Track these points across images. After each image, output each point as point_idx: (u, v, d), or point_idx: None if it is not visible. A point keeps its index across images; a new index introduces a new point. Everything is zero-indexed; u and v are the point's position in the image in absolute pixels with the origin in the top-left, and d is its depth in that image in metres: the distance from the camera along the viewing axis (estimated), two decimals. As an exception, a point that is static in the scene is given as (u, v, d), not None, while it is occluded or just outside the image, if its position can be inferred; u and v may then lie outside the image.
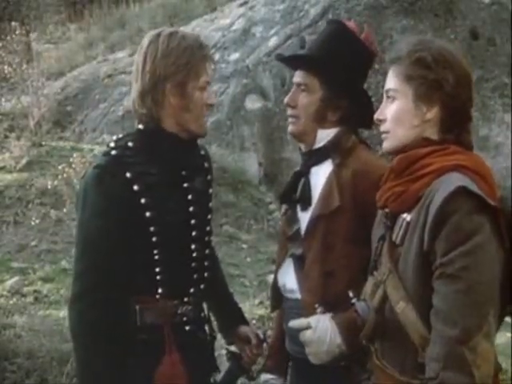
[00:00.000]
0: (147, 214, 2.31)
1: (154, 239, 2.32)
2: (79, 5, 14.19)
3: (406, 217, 2.00)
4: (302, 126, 2.52)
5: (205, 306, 2.55)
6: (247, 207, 7.89)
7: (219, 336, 2.68)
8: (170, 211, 2.35)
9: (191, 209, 2.41)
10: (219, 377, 2.59)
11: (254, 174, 8.58)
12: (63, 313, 4.89)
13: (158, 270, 2.34)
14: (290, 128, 2.57)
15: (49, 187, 7.31)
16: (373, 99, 2.57)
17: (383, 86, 2.14)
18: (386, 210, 2.08)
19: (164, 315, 2.36)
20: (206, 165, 2.53)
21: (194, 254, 2.42)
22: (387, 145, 2.11)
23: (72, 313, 2.33)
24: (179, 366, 2.35)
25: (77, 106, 9.96)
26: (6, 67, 10.11)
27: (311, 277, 2.46)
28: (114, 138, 2.41)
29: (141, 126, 2.38)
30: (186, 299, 2.40)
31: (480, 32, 9.37)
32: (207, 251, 2.48)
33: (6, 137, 8.98)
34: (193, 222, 2.41)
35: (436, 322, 1.89)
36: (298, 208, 2.55)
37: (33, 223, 6.85)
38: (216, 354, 2.59)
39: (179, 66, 2.31)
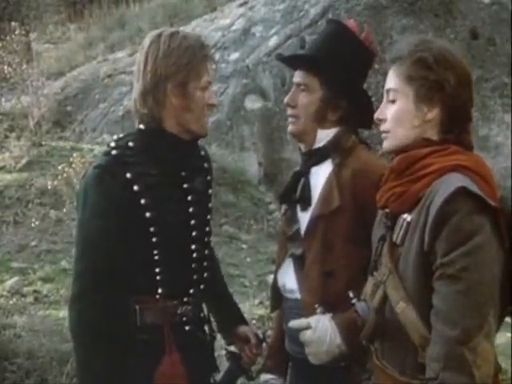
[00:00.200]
0: (147, 214, 2.31)
1: (153, 239, 2.32)
2: (79, 5, 14.19)
3: (407, 217, 2.00)
4: (302, 125, 2.52)
5: (204, 306, 2.55)
6: (247, 207, 7.89)
7: (219, 336, 2.68)
8: (170, 212, 2.35)
9: (191, 209, 2.41)
10: (219, 377, 2.59)
11: (254, 173, 8.58)
12: (63, 313, 4.89)
13: (157, 270, 2.34)
14: (290, 128, 2.57)
15: (49, 187, 7.31)
16: (373, 99, 2.57)
17: (383, 86, 2.13)
18: (387, 210, 2.08)
19: (164, 315, 2.36)
20: (205, 165, 2.53)
21: (194, 255, 2.42)
22: (387, 145, 2.10)
23: (72, 313, 2.32)
24: (179, 366, 2.35)
25: (77, 106, 9.96)
26: (5, 67, 10.10)
27: (311, 277, 2.46)
28: (115, 137, 2.41)
29: (141, 126, 2.38)
30: (185, 299, 2.40)
31: (480, 32, 9.37)
32: (207, 251, 2.48)
33: (6, 137, 8.98)
34: (193, 222, 2.41)
35: (436, 322, 1.89)
36: (298, 208, 2.55)
37: (33, 223, 6.85)
38: (216, 354, 2.59)
39: (180, 66, 2.31)
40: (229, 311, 2.71)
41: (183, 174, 2.41)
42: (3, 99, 10.29)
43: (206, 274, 2.47)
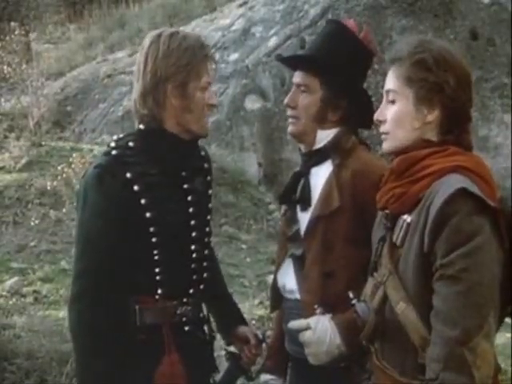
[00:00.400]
0: (147, 214, 2.31)
1: (153, 239, 2.32)
2: (79, 5, 14.20)
3: (407, 218, 2.00)
4: (303, 126, 2.52)
5: (204, 306, 2.55)
6: (247, 207, 7.89)
7: (218, 336, 2.68)
8: (170, 212, 2.35)
9: (191, 210, 2.41)
10: (218, 377, 2.59)
11: (254, 174, 8.58)
12: (63, 313, 4.89)
13: (157, 270, 2.34)
14: (290, 128, 2.57)
15: (48, 187, 7.31)
16: (372, 99, 2.57)
17: (383, 86, 2.13)
18: (387, 211, 2.08)
19: (163, 315, 2.36)
20: (205, 166, 2.53)
21: (194, 255, 2.42)
22: (387, 146, 2.10)
23: (71, 313, 2.32)
24: (178, 366, 2.35)
25: (76, 106, 9.96)
26: (5, 67, 10.11)
27: (311, 277, 2.46)
28: (115, 137, 2.41)
29: (141, 126, 2.38)
30: (185, 300, 2.40)
31: (479, 32, 9.37)
32: (207, 252, 2.48)
33: (6, 137, 8.98)
34: (192, 222, 2.41)
35: (436, 322, 1.89)
36: (298, 208, 2.55)
37: (32, 223, 6.85)
38: (215, 354, 2.59)
39: (180, 66, 2.31)
40: (228, 311, 2.71)
41: (183, 174, 2.41)
42: (3, 99, 10.30)
43: (205, 275, 2.47)
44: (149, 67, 2.31)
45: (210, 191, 2.53)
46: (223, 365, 2.66)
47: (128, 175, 2.29)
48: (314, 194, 2.51)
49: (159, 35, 2.34)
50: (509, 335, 4.97)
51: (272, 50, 9.05)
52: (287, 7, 9.61)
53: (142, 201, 2.30)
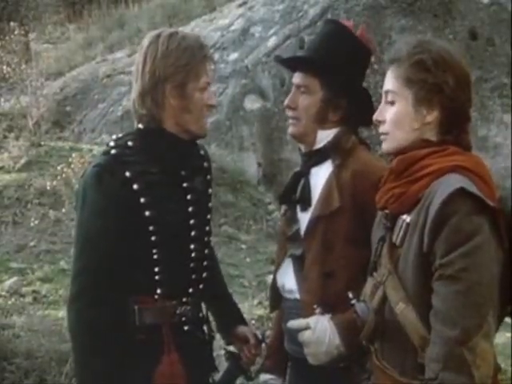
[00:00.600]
0: (147, 213, 2.31)
1: (153, 238, 2.32)
2: (78, 5, 14.20)
3: (406, 218, 2.00)
4: (303, 127, 2.52)
5: (203, 306, 2.55)
6: (246, 207, 7.89)
7: (218, 336, 2.68)
8: (170, 211, 2.35)
9: (190, 209, 2.41)
10: (218, 377, 2.59)
11: (253, 174, 8.58)
12: (62, 313, 4.89)
13: (156, 269, 2.34)
14: (291, 130, 2.57)
15: (48, 187, 7.31)
16: (372, 99, 2.57)
17: (382, 86, 2.13)
18: (386, 211, 2.08)
19: (163, 315, 2.36)
20: (205, 165, 2.53)
21: (193, 254, 2.42)
22: (386, 146, 2.10)
23: (70, 312, 2.32)
24: (178, 365, 2.35)
25: (76, 106, 9.96)
26: (4, 67, 10.11)
27: (310, 277, 2.46)
28: (114, 137, 2.41)
29: (141, 126, 2.38)
30: (184, 299, 2.40)
31: (479, 32, 9.38)
32: (206, 251, 2.48)
33: (5, 137, 8.98)
34: (192, 221, 2.41)
35: (435, 322, 1.89)
36: (298, 208, 2.55)
37: (32, 223, 6.85)
38: (215, 354, 2.59)
39: (179, 66, 2.31)
40: (228, 311, 2.71)
41: (183, 173, 2.41)
42: (2, 99, 10.30)
43: (205, 274, 2.47)
44: (147, 67, 2.31)
45: (210, 190, 2.53)
46: (223, 364, 2.66)
47: (127, 174, 2.29)
48: (314, 193, 2.51)
49: (158, 35, 2.34)
50: (508, 335, 4.97)
51: (271, 49, 9.06)
52: (286, 7, 9.61)
53: (142, 199, 2.30)
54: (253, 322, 4.89)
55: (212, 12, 10.86)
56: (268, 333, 2.79)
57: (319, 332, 2.26)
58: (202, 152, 2.53)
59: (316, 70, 2.50)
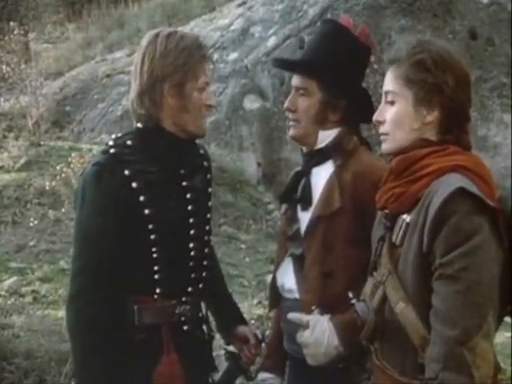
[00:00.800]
0: (146, 211, 2.30)
1: (152, 237, 2.32)
2: (78, 5, 14.20)
3: (406, 218, 2.00)
4: (304, 129, 2.52)
5: (203, 305, 2.55)
6: (246, 207, 7.89)
7: (218, 336, 2.68)
8: (169, 209, 2.35)
9: (190, 207, 2.40)
10: (217, 377, 2.59)
11: (253, 173, 8.58)
12: (61, 313, 4.89)
13: (156, 268, 2.34)
14: (291, 132, 2.56)
15: (47, 187, 7.31)
16: (372, 99, 2.57)
17: (382, 86, 2.13)
18: (386, 210, 2.08)
19: (162, 315, 2.36)
20: (205, 164, 2.53)
21: (192, 253, 2.41)
22: (386, 146, 2.10)
23: (69, 312, 2.32)
24: (177, 365, 2.35)
25: (75, 106, 9.96)
26: (4, 67, 10.11)
27: (310, 277, 2.46)
28: (113, 136, 2.41)
29: (139, 125, 2.38)
30: (184, 299, 2.40)
31: (479, 32, 9.38)
32: (206, 250, 2.48)
33: (5, 137, 8.98)
34: (191, 220, 2.41)
35: (435, 322, 1.89)
36: (298, 208, 2.55)
37: (31, 223, 6.85)
38: (214, 353, 2.59)
39: (177, 66, 2.31)
40: (228, 311, 2.71)
41: (182, 171, 2.41)
42: (2, 99, 10.29)
43: (204, 273, 2.47)
44: (146, 67, 2.31)
45: (210, 189, 2.53)
46: (222, 364, 2.66)
47: (126, 172, 2.29)
48: (314, 193, 2.51)
49: (157, 35, 2.34)
50: (508, 334, 4.97)
51: (271, 49, 9.06)
52: (286, 7, 9.61)
53: (141, 198, 2.30)
54: (252, 321, 4.89)
55: (211, 12, 10.86)
56: (268, 333, 2.79)
57: (318, 333, 2.26)
58: (201, 151, 2.53)
59: (313, 72, 2.49)
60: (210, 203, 2.52)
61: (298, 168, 2.62)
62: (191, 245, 2.41)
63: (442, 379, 1.85)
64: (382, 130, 2.10)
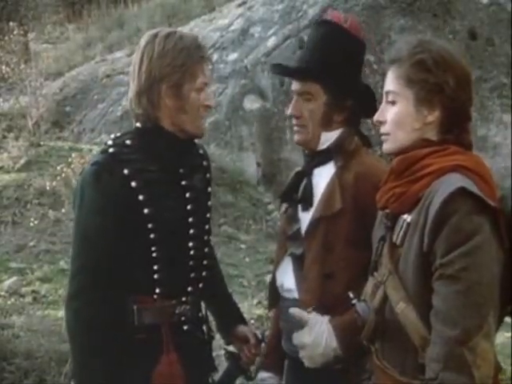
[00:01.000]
0: (145, 210, 2.30)
1: (151, 236, 2.32)
2: (77, 5, 14.20)
3: (407, 218, 2.00)
4: (310, 134, 2.50)
5: (203, 305, 2.55)
6: (246, 207, 7.89)
7: (218, 336, 2.68)
8: (168, 208, 2.35)
9: (189, 207, 2.40)
10: (217, 377, 2.59)
11: (253, 174, 8.58)
12: (61, 313, 4.89)
13: (155, 267, 2.33)
14: (297, 138, 2.54)
15: (47, 187, 7.31)
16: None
17: (382, 87, 2.13)
18: (387, 210, 2.07)
19: (162, 315, 2.36)
20: (204, 163, 2.53)
21: (192, 252, 2.41)
22: (387, 147, 2.10)
23: (69, 312, 2.32)
24: (177, 365, 2.35)
25: (75, 106, 9.96)
26: (4, 67, 10.11)
27: (310, 278, 2.45)
28: (112, 136, 2.41)
29: (138, 125, 2.38)
30: (183, 299, 2.40)
31: (478, 32, 9.38)
32: (206, 250, 2.48)
33: (5, 137, 8.98)
34: (190, 219, 2.41)
35: (436, 322, 1.89)
36: (299, 208, 2.54)
37: (31, 223, 6.85)
38: (214, 353, 2.59)
39: (175, 66, 2.30)
40: (228, 311, 2.71)
41: (181, 170, 2.40)
42: (1, 99, 10.30)
43: (204, 273, 2.46)
44: (144, 67, 2.31)
45: (209, 189, 2.53)
46: (222, 364, 2.65)
47: (125, 172, 2.29)
48: (315, 194, 2.50)
49: (155, 35, 2.34)
50: (508, 334, 4.97)
51: (271, 50, 9.06)
52: (286, 7, 9.61)
53: (140, 197, 2.30)
54: (252, 321, 4.90)
55: (211, 12, 10.86)
56: (267, 333, 2.79)
57: (316, 333, 2.26)
58: (200, 151, 2.53)
59: (317, 76, 2.48)
60: (209, 203, 2.51)
61: (299, 168, 2.61)
62: (191, 244, 2.41)
63: (443, 379, 1.85)
64: (383, 130, 2.10)
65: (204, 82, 2.36)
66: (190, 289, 2.41)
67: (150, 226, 2.31)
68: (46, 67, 10.79)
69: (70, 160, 7.39)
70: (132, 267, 2.32)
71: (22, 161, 7.95)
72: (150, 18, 11.77)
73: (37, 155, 8.13)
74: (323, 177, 2.50)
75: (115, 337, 2.29)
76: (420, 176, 1.99)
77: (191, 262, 2.41)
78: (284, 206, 2.64)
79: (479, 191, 1.91)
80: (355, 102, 2.48)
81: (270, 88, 8.86)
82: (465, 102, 2.05)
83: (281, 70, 2.71)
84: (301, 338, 2.28)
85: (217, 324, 2.69)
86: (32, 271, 5.94)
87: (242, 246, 7.13)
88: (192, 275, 2.42)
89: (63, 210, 6.99)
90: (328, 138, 2.50)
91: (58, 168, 7.37)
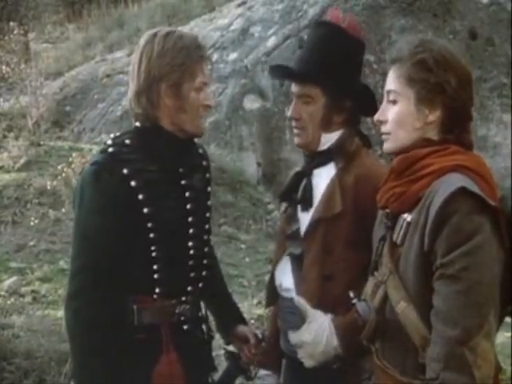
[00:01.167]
0: (145, 210, 2.30)
1: (151, 235, 2.32)
2: (78, 5, 14.21)
3: (407, 217, 2.00)
4: (311, 135, 2.50)
5: (202, 305, 2.55)
6: (246, 207, 7.89)
7: (217, 336, 2.68)
8: (168, 208, 2.35)
9: (189, 206, 2.40)
10: (217, 376, 2.59)
11: (253, 173, 8.58)
12: (61, 313, 4.86)
13: (155, 267, 2.33)
14: (297, 140, 2.53)
15: (48, 187, 7.31)
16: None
17: (382, 86, 2.13)
18: (387, 210, 2.07)
19: (162, 315, 2.36)
20: (204, 163, 2.53)
21: (191, 252, 2.41)
22: (388, 146, 2.10)
23: (68, 311, 2.32)
24: (177, 365, 2.35)
25: (75, 106, 9.95)
26: (4, 67, 10.11)
27: (309, 279, 2.45)
28: (112, 136, 2.41)
29: (138, 124, 2.38)
30: (183, 298, 2.40)
31: (478, 32, 9.38)
32: (206, 249, 2.48)
33: (5, 136, 8.97)
34: (190, 219, 2.40)
35: (436, 322, 1.89)
36: (299, 208, 2.54)
37: (31, 223, 6.84)
38: (214, 353, 2.59)
39: (174, 66, 2.30)
40: (228, 311, 2.70)
41: (181, 170, 2.40)
42: (1, 99, 10.29)
43: (204, 273, 2.46)
44: (143, 67, 2.31)
45: (209, 188, 2.53)
46: (222, 364, 2.65)
47: (125, 171, 2.29)
48: (315, 195, 2.50)
49: (155, 35, 2.34)
50: (508, 334, 4.97)
51: (271, 49, 9.06)
52: (286, 7, 9.60)
53: (140, 196, 2.30)
54: (252, 321, 4.89)
55: (211, 12, 10.85)
56: (267, 332, 2.79)
57: (317, 332, 2.26)
58: (200, 150, 2.53)
59: (317, 79, 2.47)
60: (209, 202, 2.51)
61: (298, 168, 2.61)
62: (190, 244, 2.40)
63: (443, 379, 1.85)
64: (383, 129, 2.09)
65: (203, 81, 2.36)
66: (189, 288, 2.41)
67: (149, 225, 2.31)
68: (46, 67, 10.78)
69: (70, 160, 7.39)
70: (132, 267, 2.32)
71: (22, 160, 7.95)
72: (150, 17, 11.77)
73: (37, 155, 8.13)
74: (323, 177, 2.49)
75: (115, 337, 2.28)
76: (420, 176, 1.99)
77: (191, 262, 2.41)
78: (283, 206, 2.63)
79: (480, 191, 1.91)
80: (354, 103, 2.48)
81: (270, 88, 8.86)
82: (466, 102, 2.04)
83: (279, 73, 2.70)
84: (300, 336, 2.28)
85: (216, 324, 2.69)
86: (32, 271, 5.94)
87: (242, 245, 7.13)
88: (192, 275, 2.42)
89: (63, 210, 6.99)
90: (328, 139, 2.50)
91: (59, 168, 7.37)
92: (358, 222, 2.38)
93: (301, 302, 2.33)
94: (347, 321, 2.24)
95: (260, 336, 2.65)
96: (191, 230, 2.41)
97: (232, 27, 9.76)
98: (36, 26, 13.18)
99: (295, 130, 2.53)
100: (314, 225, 2.46)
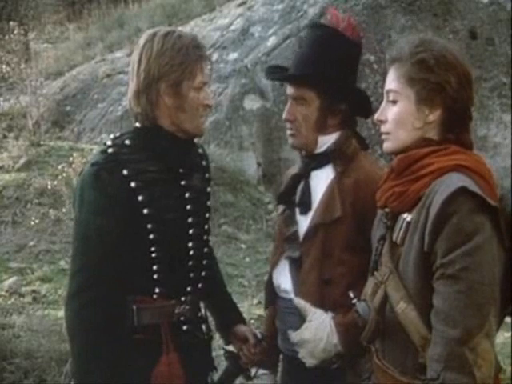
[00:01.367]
0: (145, 210, 2.30)
1: (151, 236, 2.32)
2: (78, 4, 14.21)
3: (407, 217, 2.00)
4: (304, 138, 2.50)
5: (202, 305, 2.55)
6: (246, 207, 7.89)
7: (217, 336, 2.68)
8: (168, 208, 2.35)
9: (188, 206, 2.40)
10: (217, 376, 2.59)
11: (253, 173, 8.57)
12: (61, 313, 4.88)
13: (155, 268, 2.33)
14: (291, 141, 2.53)
15: (48, 187, 7.31)
16: (371, 99, 2.57)
17: (382, 86, 2.13)
18: (386, 209, 2.07)
19: (161, 315, 2.36)
20: (203, 163, 2.52)
21: (191, 252, 2.41)
22: (388, 146, 2.10)
23: (68, 311, 2.32)
24: (177, 365, 2.35)
25: (75, 106, 9.95)
26: (4, 67, 10.10)
27: (309, 282, 2.45)
28: (111, 136, 2.41)
29: (138, 124, 2.38)
30: (183, 298, 2.40)
31: (478, 32, 9.38)
32: (205, 250, 2.48)
33: (5, 136, 8.98)
34: (190, 219, 2.40)
35: (437, 322, 1.89)
36: (297, 211, 2.53)
37: (31, 223, 6.84)
38: (214, 353, 2.59)
39: (173, 66, 2.30)
40: (227, 311, 2.70)
41: (181, 170, 2.40)
42: (1, 99, 10.28)
43: (204, 273, 2.46)
44: (142, 66, 2.31)
45: (209, 189, 2.53)
46: (222, 364, 2.65)
47: (125, 172, 2.29)
48: (314, 197, 2.49)
49: (154, 34, 2.34)
50: (508, 334, 4.97)
51: (271, 49, 9.05)
52: (286, 7, 9.60)
53: (140, 197, 2.30)
54: (252, 321, 4.89)
55: (211, 12, 10.85)
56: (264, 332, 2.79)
57: (317, 330, 2.26)
58: (200, 150, 2.53)
59: (312, 82, 2.46)
60: (208, 202, 2.51)
61: (295, 170, 2.60)
62: (190, 244, 2.40)
63: (444, 379, 1.85)
64: (383, 129, 2.09)
65: (203, 81, 2.36)
66: (189, 289, 2.41)
67: (149, 226, 2.31)
68: (46, 67, 10.78)
69: (70, 160, 7.39)
70: (131, 267, 2.32)
71: (22, 160, 7.95)
72: (150, 17, 11.76)
73: (37, 155, 8.13)
74: (321, 180, 2.49)
75: (115, 337, 2.28)
76: (420, 175, 1.99)
77: (191, 262, 2.41)
78: (281, 207, 2.63)
79: (480, 191, 1.90)
80: (349, 105, 2.48)
81: (270, 88, 8.85)
82: (466, 102, 2.04)
83: (275, 75, 2.70)
84: (301, 334, 2.28)
85: (216, 324, 2.69)
86: (32, 271, 5.94)
87: (242, 245, 7.13)
88: (191, 275, 2.42)
89: (64, 210, 6.99)
90: (325, 141, 2.50)
91: (59, 168, 7.38)
92: (357, 226, 2.38)
93: (301, 302, 2.33)
94: (348, 319, 2.25)
95: (259, 336, 2.65)
96: (191, 231, 2.41)
97: (232, 27, 9.76)
98: (36, 25, 13.17)
99: (289, 131, 2.53)
100: (313, 230, 2.46)
